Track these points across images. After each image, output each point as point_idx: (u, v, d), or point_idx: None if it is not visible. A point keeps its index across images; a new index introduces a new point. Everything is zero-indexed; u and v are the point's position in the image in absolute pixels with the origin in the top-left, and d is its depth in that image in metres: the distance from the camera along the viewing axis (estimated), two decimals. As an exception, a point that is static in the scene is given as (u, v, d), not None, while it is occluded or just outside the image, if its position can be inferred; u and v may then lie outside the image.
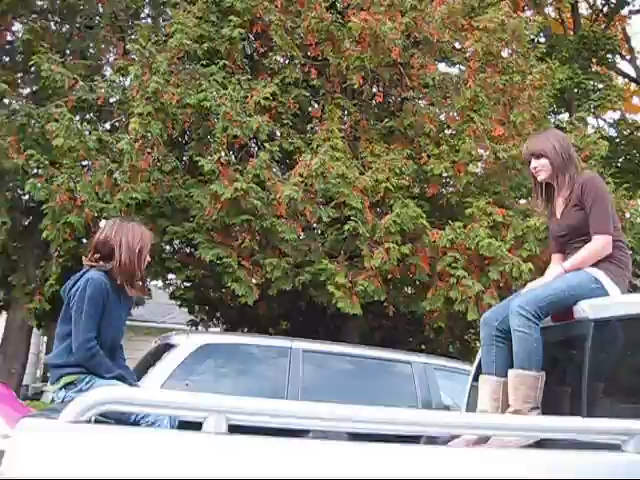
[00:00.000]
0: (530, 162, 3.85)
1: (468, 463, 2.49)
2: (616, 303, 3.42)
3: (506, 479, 2.44)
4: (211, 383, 6.14)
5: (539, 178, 3.83)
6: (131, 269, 4.01)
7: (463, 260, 8.70)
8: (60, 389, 3.83)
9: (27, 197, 10.90)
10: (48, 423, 2.16)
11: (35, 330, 12.77)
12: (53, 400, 3.92)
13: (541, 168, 3.79)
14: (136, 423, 3.55)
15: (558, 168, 3.74)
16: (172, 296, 11.80)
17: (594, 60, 17.86)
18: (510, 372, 3.47)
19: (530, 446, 3.02)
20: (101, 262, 4.00)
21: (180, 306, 12.63)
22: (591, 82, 16.53)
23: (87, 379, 3.78)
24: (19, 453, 2.02)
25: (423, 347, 11.47)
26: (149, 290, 11.15)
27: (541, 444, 2.97)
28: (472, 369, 4.31)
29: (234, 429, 2.23)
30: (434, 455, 2.55)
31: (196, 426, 2.23)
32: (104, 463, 2.02)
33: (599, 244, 3.60)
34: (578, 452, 2.66)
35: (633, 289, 11.37)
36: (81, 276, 3.98)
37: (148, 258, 4.18)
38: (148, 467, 2.04)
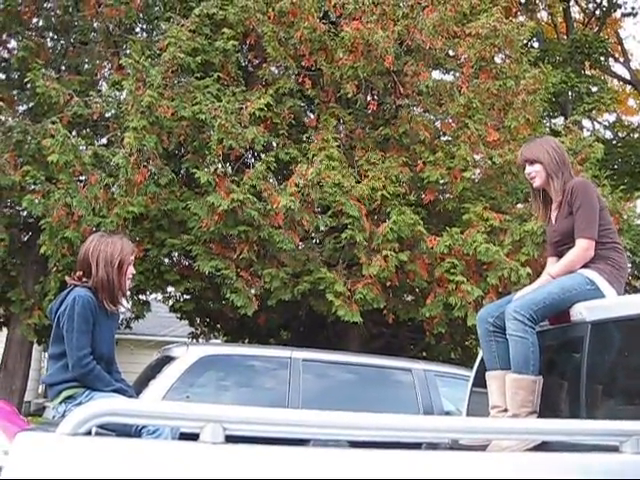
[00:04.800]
0: (525, 168, 3.91)
1: (468, 466, 2.49)
2: (613, 304, 3.43)
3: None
4: (212, 395, 6.14)
5: (534, 185, 3.89)
6: (110, 284, 3.95)
7: (461, 266, 8.71)
8: (60, 403, 3.82)
9: (25, 213, 10.91)
10: (45, 436, 2.16)
11: (36, 345, 12.74)
12: (54, 417, 3.91)
13: (535, 174, 3.84)
14: (138, 434, 3.56)
15: (552, 173, 3.78)
16: (172, 309, 11.79)
17: (587, 63, 17.94)
18: (507, 377, 3.48)
19: (529, 449, 3.03)
20: (84, 279, 3.98)
21: (180, 319, 12.62)
22: (585, 85, 16.57)
23: (87, 392, 3.78)
24: (16, 467, 2.02)
25: (424, 354, 11.46)
26: (147, 303, 11.13)
27: (540, 447, 2.98)
28: (472, 375, 4.32)
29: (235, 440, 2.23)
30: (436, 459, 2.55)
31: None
32: (101, 475, 2.02)
33: (581, 247, 3.64)
34: (577, 454, 2.66)
35: (633, 291, 11.34)
36: (67, 295, 3.95)
37: (132, 270, 4.10)
38: (145, 478, 2.04)
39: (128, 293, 6.73)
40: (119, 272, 3.98)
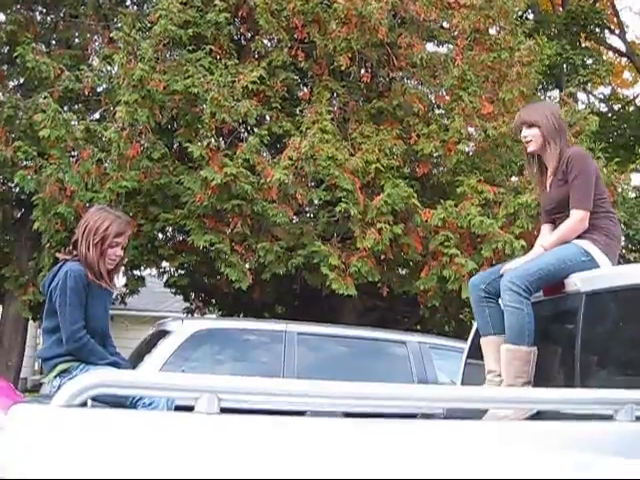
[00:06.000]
0: (521, 131, 3.83)
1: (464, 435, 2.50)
2: (607, 275, 3.42)
3: (501, 452, 2.45)
4: (207, 369, 6.17)
5: (529, 149, 3.82)
6: (88, 259, 3.87)
7: (455, 239, 8.70)
8: (55, 377, 3.82)
9: (17, 189, 10.86)
10: (40, 408, 2.16)
11: (31, 322, 12.76)
12: (50, 391, 3.91)
13: (531, 138, 3.77)
14: (133, 407, 3.56)
15: (549, 138, 3.72)
16: (166, 284, 11.78)
17: (583, 35, 17.84)
18: (502, 347, 3.48)
19: (524, 419, 3.04)
20: (74, 252, 3.93)
21: (175, 294, 12.62)
22: (580, 57, 16.48)
23: (81, 366, 3.78)
24: (10, 438, 2.01)
25: (419, 327, 11.49)
26: (142, 279, 11.10)
27: (535, 417, 2.99)
28: (466, 346, 4.34)
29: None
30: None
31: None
32: (96, 446, 2.02)
33: (576, 219, 3.62)
34: (572, 423, 2.68)
35: (626, 263, 11.36)
36: (59, 269, 3.92)
37: (117, 252, 3.97)
38: (139, 448, 2.04)
39: (121, 274, 6.61)
40: (99, 250, 3.89)
